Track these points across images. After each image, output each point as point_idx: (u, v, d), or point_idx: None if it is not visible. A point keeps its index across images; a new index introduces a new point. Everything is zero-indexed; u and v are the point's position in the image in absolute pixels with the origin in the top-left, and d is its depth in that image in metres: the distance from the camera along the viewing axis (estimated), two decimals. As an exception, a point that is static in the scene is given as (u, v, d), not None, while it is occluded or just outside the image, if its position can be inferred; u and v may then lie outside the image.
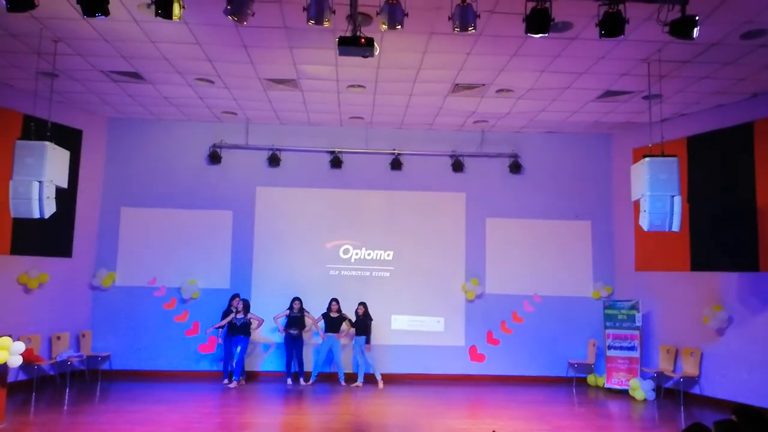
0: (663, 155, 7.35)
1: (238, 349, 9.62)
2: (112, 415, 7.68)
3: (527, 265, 10.89)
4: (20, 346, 7.07)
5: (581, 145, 11.13)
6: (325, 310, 10.04)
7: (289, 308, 9.93)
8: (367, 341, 9.91)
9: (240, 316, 9.60)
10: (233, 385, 9.53)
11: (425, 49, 7.30)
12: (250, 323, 9.67)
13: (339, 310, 10.02)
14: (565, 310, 10.76)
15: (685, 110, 9.41)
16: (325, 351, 9.98)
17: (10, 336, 7.07)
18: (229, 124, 10.85)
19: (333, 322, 10.00)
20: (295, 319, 9.87)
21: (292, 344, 9.86)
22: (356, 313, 10.06)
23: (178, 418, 7.62)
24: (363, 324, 10.02)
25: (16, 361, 7.02)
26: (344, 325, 10.10)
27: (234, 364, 9.67)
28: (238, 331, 9.63)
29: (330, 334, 9.96)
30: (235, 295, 9.98)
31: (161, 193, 10.71)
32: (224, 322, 9.72)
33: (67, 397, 8.79)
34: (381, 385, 9.82)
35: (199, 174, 10.81)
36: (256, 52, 7.56)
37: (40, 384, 9.16)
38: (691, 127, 9.58)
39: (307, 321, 10.03)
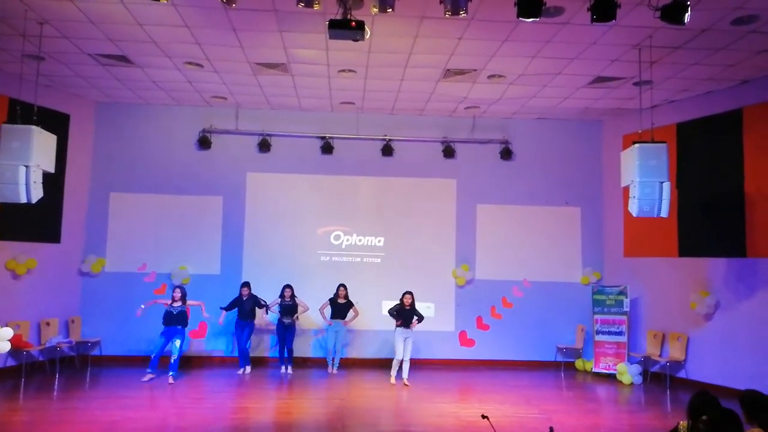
0: (653, 141, 7.38)
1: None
2: (103, 400, 7.68)
3: (517, 251, 10.95)
4: (8, 332, 7.06)
5: (572, 131, 11.15)
6: (332, 296, 9.96)
7: (280, 296, 9.82)
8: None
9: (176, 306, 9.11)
10: (241, 372, 9.49)
11: (416, 34, 7.26)
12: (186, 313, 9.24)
13: (347, 296, 9.97)
14: (554, 296, 10.85)
15: (674, 97, 9.44)
16: (333, 337, 9.94)
17: (-2, 322, 7.04)
18: (218, 108, 10.76)
19: (340, 308, 9.93)
20: (287, 307, 9.75)
21: (284, 332, 9.81)
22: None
23: (168, 403, 7.63)
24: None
25: (4, 347, 7.01)
26: (351, 312, 10.03)
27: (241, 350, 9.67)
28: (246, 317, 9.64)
29: (337, 320, 9.92)
30: (246, 283, 9.79)
31: (151, 178, 10.62)
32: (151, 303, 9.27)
33: (56, 383, 8.78)
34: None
35: (189, 159, 10.73)
36: (245, 36, 7.47)
37: (30, 370, 9.12)
38: (680, 114, 9.62)
39: (300, 308, 9.94)
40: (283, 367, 9.72)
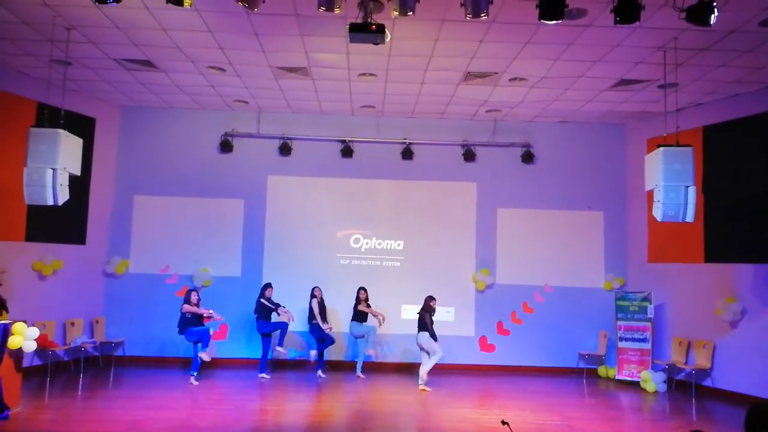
0: (678, 145, 7.25)
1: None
2: (126, 400, 7.78)
3: (538, 255, 10.84)
4: (35, 332, 7.16)
5: (594, 134, 11.02)
6: (355, 301, 9.91)
7: (312, 296, 9.71)
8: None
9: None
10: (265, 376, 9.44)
11: (437, 37, 7.24)
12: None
13: (367, 299, 9.93)
14: (576, 301, 10.70)
15: (700, 99, 9.27)
16: (363, 340, 9.89)
17: (24, 322, 7.16)
18: (240, 112, 10.86)
19: (362, 312, 9.85)
20: (320, 307, 9.68)
21: (315, 334, 9.64)
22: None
23: (190, 404, 7.70)
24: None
25: (30, 347, 7.12)
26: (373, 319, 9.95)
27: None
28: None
29: (359, 323, 9.85)
30: (268, 285, 9.74)
31: (174, 181, 10.76)
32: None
33: (81, 382, 8.92)
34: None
35: (211, 162, 10.84)
36: (267, 40, 7.54)
37: (55, 369, 9.29)
38: (706, 117, 9.43)
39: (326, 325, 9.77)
40: (320, 371, 9.64)
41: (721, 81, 8.43)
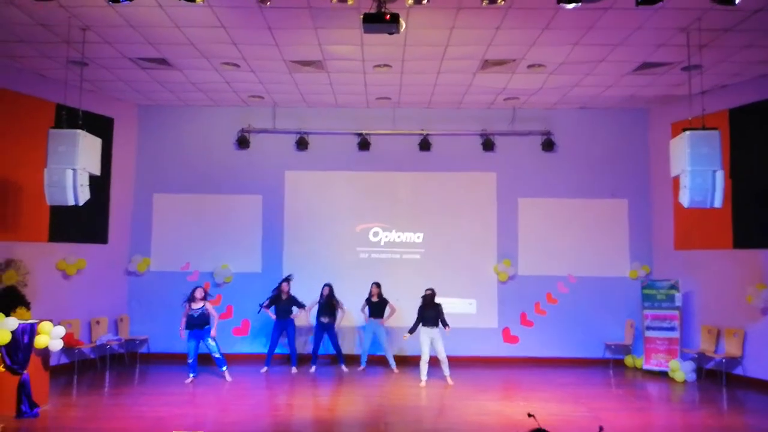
0: (704, 128, 7.03)
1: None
2: (151, 396, 7.86)
3: (561, 245, 10.67)
4: (61, 331, 7.26)
5: (616, 120, 10.78)
6: (367, 295, 9.90)
7: (320, 295, 9.77)
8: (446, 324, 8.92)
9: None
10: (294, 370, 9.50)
11: (453, 25, 7.11)
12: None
13: (380, 294, 9.87)
14: (601, 291, 10.52)
15: (726, 81, 9.00)
16: (370, 336, 9.86)
17: (50, 321, 7.26)
18: (256, 108, 10.85)
19: (376, 306, 9.84)
20: (326, 306, 9.68)
21: (323, 332, 9.72)
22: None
23: (214, 400, 7.75)
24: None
25: (57, 345, 7.22)
26: (387, 309, 9.91)
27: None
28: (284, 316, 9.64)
29: (373, 319, 9.83)
30: (287, 278, 9.79)
31: (192, 179, 10.81)
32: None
33: (107, 379, 9.04)
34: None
35: (229, 159, 10.86)
36: (280, 34, 7.48)
37: (81, 367, 9.43)
38: (733, 99, 9.16)
39: (339, 313, 9.79)
40: (313, 367, 9.62)
41: (748, 62, 8.16)
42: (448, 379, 8.77)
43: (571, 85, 9.44)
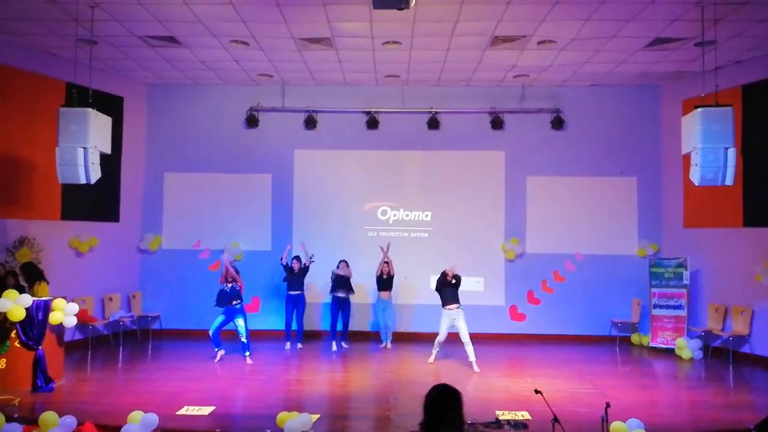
0: (717, 105, 6.94)
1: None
2: (164, 372, 8.01)
3: (569, 223, 10.66)
4: (74, 308, 7.38)
5: (627, 97, 10.67)
6: (378, 272, 9.91)
7: (337, 267, 9.74)
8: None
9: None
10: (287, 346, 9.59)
11: (462, 0, 7.03)
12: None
13: (389, 272, 9.86)
14: (609, 269, 10.54)
15: (739, 57, 8.86)
16: (381, 314, 9.93)
17: (64, 298, 7.38)
18: (265, 86, 10.82)
19: (385, 283, 9.89)
20: (342, 281, 9.72)
21: (339, 307, 9.77)
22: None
23: (226, 375, 7.88)
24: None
25: (71, 322, 7.36)
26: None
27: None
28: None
29: (383, 295, 9.85)
30: (296, 257, 9.78)
31: (202, 157, 10.85)
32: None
33: (120, 355, 9.22)
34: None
35: (238, 138, 10.88)
36: (289, 11, 7.43)
37: (95, 343, 9.60)
38: (746, 75, 9.03)
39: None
40: (334, 343, 9.68)
41: (762, 36, 8.02)
42: (474, 366, 8.18)
43: (581, 62, 9.33)
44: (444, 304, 8.47)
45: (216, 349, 8.63)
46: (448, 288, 8.45)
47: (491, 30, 7.99)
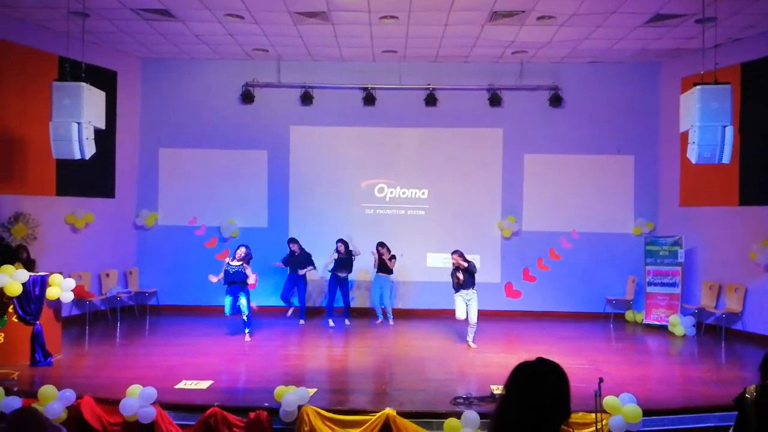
0: (716, 83, 6.90)
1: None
2: (162, 347, 8.06)
3: (566, 201, 10.68)
4: (71, 283, 7.40)
5: (626, 75, 10.60)
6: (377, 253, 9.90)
7: (336, 251, 9.71)
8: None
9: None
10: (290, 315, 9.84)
11: (461, -26, 6.93)
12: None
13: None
14: (604, 247, 10.58)
15: (739, 34, 8.79)
16: (378, 291, 9.97)
17: (61, 273, 7.38)
18: (260, 61, 10.69)
19: (383, 262, 9.88)
20: (343, 261, 9.73)
21: (338, 286, 9.81)
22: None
23: (223, 350, 7.94)
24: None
25: (68, 297, 7.37)
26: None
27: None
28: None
29: (381, 274, 9.89)
30: (292, 239, 9.82)
31: (197, 133, 10.77)
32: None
33: (118, 330, 9.26)
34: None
35: (233, 114, 10.79)
36: (285, -16, 7.31)
37: (93, 318, 9.64)
38: (746, 53, 8.97)
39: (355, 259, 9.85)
40: (331, 320, 9.73)
41: (762, 13, 7.95)
42: (470, 343, 8.33)
43: (581, 38, 9.25)
44: (461, 289, 8.29)
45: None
46: (465, 275, 8.27)
47: (490, 5, 7.89)
